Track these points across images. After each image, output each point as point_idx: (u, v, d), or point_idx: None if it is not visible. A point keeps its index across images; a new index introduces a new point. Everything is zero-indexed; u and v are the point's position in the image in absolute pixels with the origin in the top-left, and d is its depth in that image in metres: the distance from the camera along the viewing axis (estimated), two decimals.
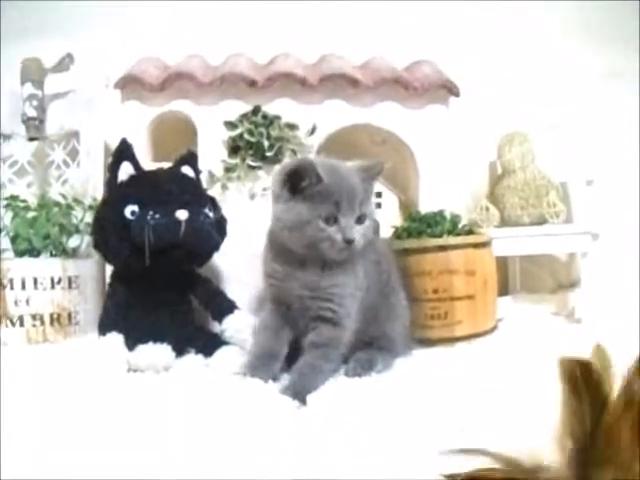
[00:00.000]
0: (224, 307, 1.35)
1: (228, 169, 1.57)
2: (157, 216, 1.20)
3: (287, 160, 1.52)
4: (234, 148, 1.59)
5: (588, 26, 1.93)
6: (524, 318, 1.55)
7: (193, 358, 1.31)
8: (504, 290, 1.77)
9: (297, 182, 1.13)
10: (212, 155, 1.58)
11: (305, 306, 1.19)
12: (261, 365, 1.17)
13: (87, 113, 1.76)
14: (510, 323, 1.52)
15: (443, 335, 1.36)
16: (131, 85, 1.61)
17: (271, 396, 1.06)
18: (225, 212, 1.43)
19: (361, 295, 1.22)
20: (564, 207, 1.57)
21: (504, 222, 1.64)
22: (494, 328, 1.45)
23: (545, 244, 1.56)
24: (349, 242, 1.14)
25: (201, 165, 1.56)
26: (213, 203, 1.34)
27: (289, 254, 1.18)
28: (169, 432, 0.89)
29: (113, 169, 1.31)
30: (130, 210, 1.23)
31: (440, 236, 1.39)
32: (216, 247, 1.32)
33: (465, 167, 1.69)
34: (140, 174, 1.31)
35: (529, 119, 1.75)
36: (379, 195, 1.65)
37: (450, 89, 1.62)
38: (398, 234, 1.44)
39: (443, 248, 1.36)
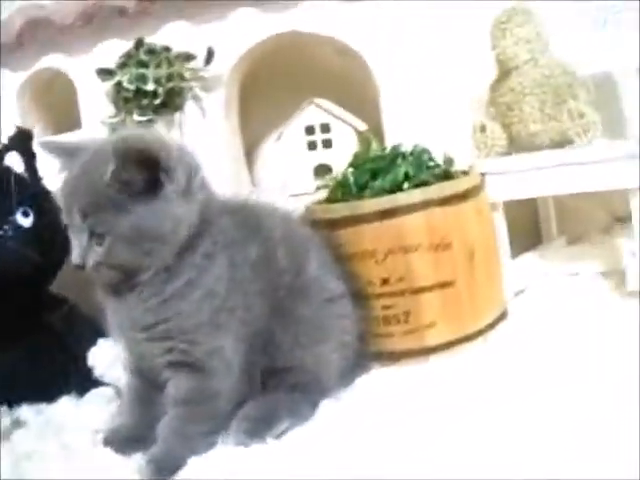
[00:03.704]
0: (86, 337, 0.87)
1: (114, 130, 1.05)
2: None
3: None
4: (124, 101, 1.06)
5: None
6: (554, 289, 0.94)
7: (63, 405, 0.84)
8: (536, 238, 1.14)
9: None
10: (97, 115, 1.07)
11: (148, 352, 0.70)
12: (121, 438, 0.72)
13: None
14: (529, 304, 0.91)
15: (408, 346, 0.79)
16: None
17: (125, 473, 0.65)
18: None
19: (239, 318, 0.69)
20: (597, 117, 0.89)
21: (515, 145, 0.99)
22: (500, 318, 0.85)
23: (572, 179, 0.88)
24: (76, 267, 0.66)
25: (86, 129, 1.07)
26: (36, 200, 0.84)
27: None
28: None
29: None
30: None
31: (391, 190, 0.80)
32: (35, 271, 0.82)
33: (455, 68, 1.04)
34: None
35: None
36: (326, 129, 1.05)
37: None
38: (333, 196, 0.86)
39: (389, 213, 0.77)
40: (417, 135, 0.95)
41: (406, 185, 0.81)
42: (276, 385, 0.73)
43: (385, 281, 0.78)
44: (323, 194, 0.92)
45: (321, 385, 0.74)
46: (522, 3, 0.94)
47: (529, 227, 1.12)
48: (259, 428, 0.68)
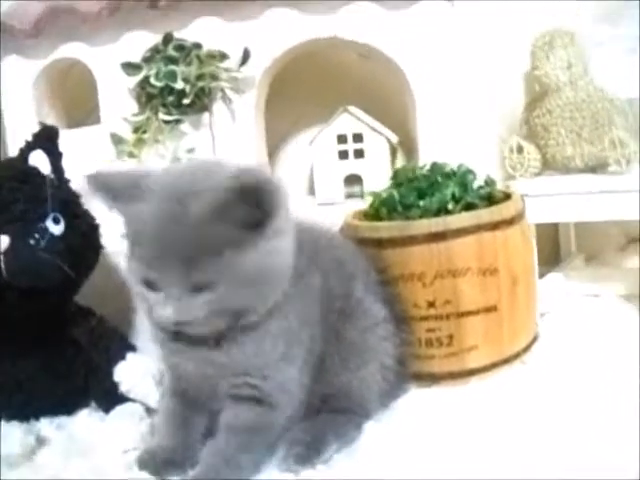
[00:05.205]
0: (112, 351, 0.81)
1: (137, 129, 0.99)
2: None
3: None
4: (148, 98, 1.00)
5: None
6: (577, 311, 0.93)
7: (86, 421, 0.80)
8: (554, 255, 1.13)
9: None
10: (119, 111, 1.00)
11: (211, 385, 0.66)
12: (157, 461, 0.67)
13: None
14: (558, 327, 0.89)
15: (449, 368, 0.78)
16: (5, 35, 1.04)
17: None
18: None
19: (305, 348, 0.66)
20: (636, 147, 0.87)
21: (548, 166, 0.98)
22: (532, 343, 0.84)
23: (610, 206, 0.86)
24: (175, 324, 0.59)
25: (106, 127, 1.01)
26: (66, 205, 0.77)
27: None
28: None
29: None
30: None
31: (437, 212, 0.78)
32: (63, 280, 0.75)
33: (492, 86, 1.00)
34: None
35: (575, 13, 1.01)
36: (359, 139, 1.00)
37: None
38: (372, 211, 0.83)
39: (439, 236, 0.74)
40: (450, 148, 0.93)
41: (451, 206, 0.79)
42: (320, 409, 0.70)
43: (431, 304, 0.75)
44: (354, 205, 0.90)
45: (364, 407, 0.72)
46: (565, 25, 0.92)
47: (547, 242, 1.11)
48: (309, 454, 0.65)
